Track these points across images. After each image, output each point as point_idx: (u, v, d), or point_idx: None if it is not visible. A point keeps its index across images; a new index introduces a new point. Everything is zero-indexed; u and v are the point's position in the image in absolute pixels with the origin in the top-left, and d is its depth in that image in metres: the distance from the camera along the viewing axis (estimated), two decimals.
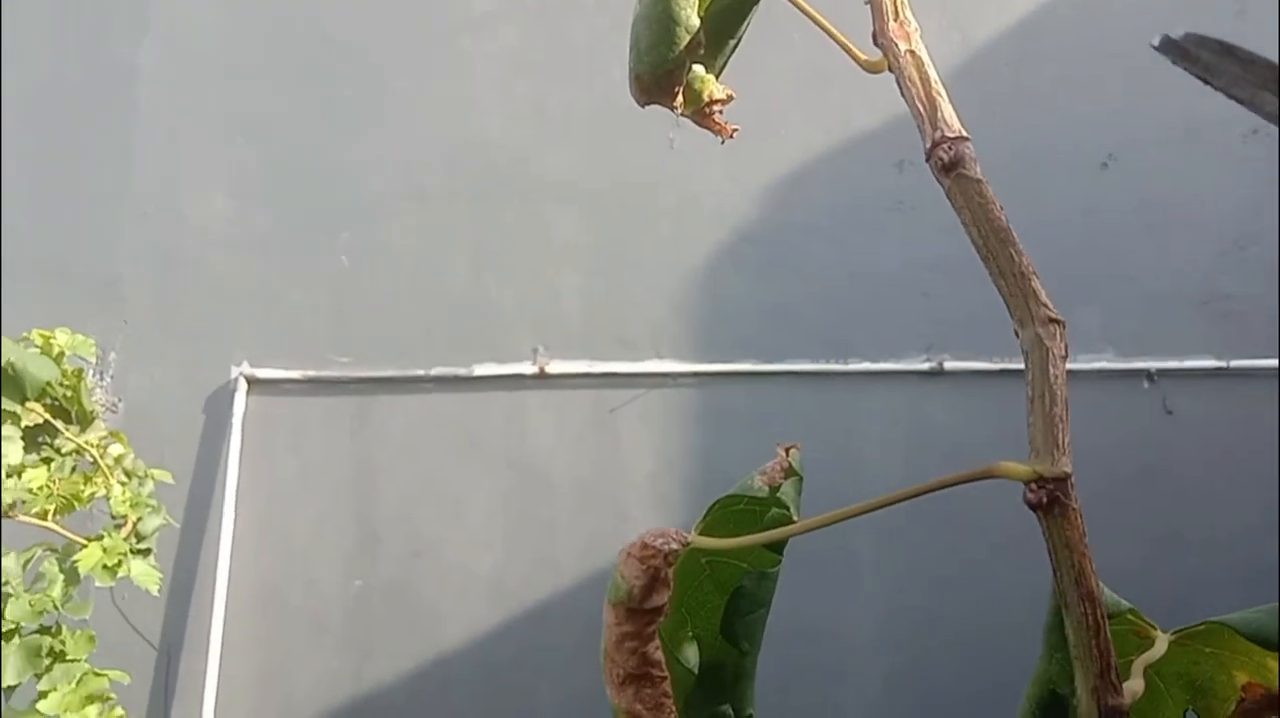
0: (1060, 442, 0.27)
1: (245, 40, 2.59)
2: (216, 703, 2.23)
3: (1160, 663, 0.38)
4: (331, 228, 2.45)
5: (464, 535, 2.34)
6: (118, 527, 1.65)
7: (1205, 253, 2.31)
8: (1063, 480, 0.27)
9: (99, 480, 1.62)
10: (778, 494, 0.36)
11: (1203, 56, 0.25)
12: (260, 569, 2.32)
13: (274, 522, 2.35)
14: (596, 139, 2.45)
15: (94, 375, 2.40)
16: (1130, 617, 0.42)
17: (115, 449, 1.86)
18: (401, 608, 2.32)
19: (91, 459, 1.80)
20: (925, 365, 2.30)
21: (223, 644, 2.26)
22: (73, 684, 1.81)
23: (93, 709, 1.82)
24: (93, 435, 1.79)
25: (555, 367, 2.36)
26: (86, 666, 1.84)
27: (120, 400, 2.43)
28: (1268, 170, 2.34)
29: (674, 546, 0.31)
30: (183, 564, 2.32)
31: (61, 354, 1.71)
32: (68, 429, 1.70)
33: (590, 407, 2.37)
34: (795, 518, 0.36)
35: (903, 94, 0.31)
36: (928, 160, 0.31)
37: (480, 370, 2.37)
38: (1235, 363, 2.23)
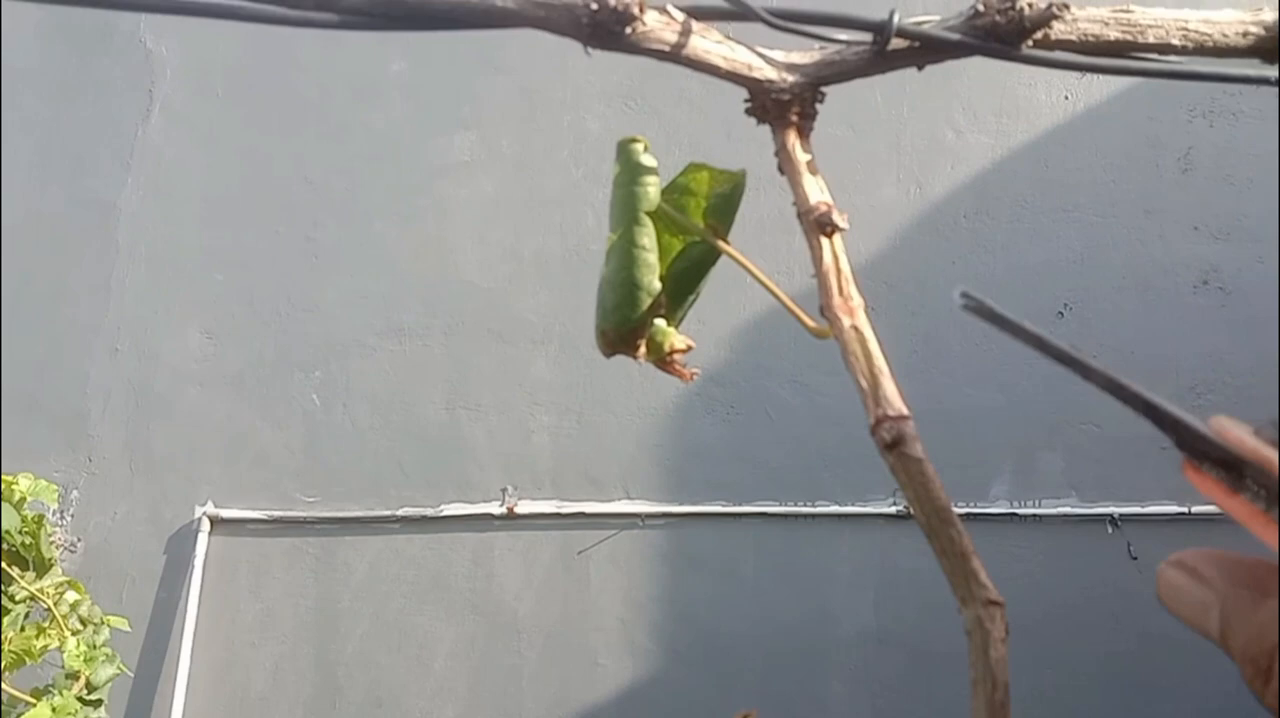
0: None
1: (225, 180, 2.65)
2: None
3: None
4: (305, 365, 2.46)
5: (427, 684, 2.28)
6: (70, 680, 1.60)
7: (1163, 398, 2.37)
8: None
9: (52, 632, 1.58)
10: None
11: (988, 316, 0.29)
12: (215, 717, 2.25)
13: (231, 668, 2.28)
14: (569, 282, 2.50)
15: (54, 514, 2.36)
16: None
17: (71, 597, 1.82)
18: None
19: (46, 607, 1.76)
20: (892, 508, 2.31)
21: None
22: None
23: None
24: (49, 583, 1.75)
25: (524, 507, 2.35)
26: None
27: (80, 540, 2.39)
28: (1219, 320, 2.42)
29: None
30: (135, 712, 2.24)
31: (23, 500, 1.69)
32: (24, 577, 1.67)
33: (559, 548, 2.35)
34: None
35: (846, 367, 0.34)
36: (872, 435, 0.33)
37: (448, 510, 2.36)
38: (1196, 508, 2.26)
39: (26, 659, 1.53)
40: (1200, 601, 0.28)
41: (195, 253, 2.59)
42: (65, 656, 1.61)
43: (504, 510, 2.35)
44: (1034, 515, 2.29)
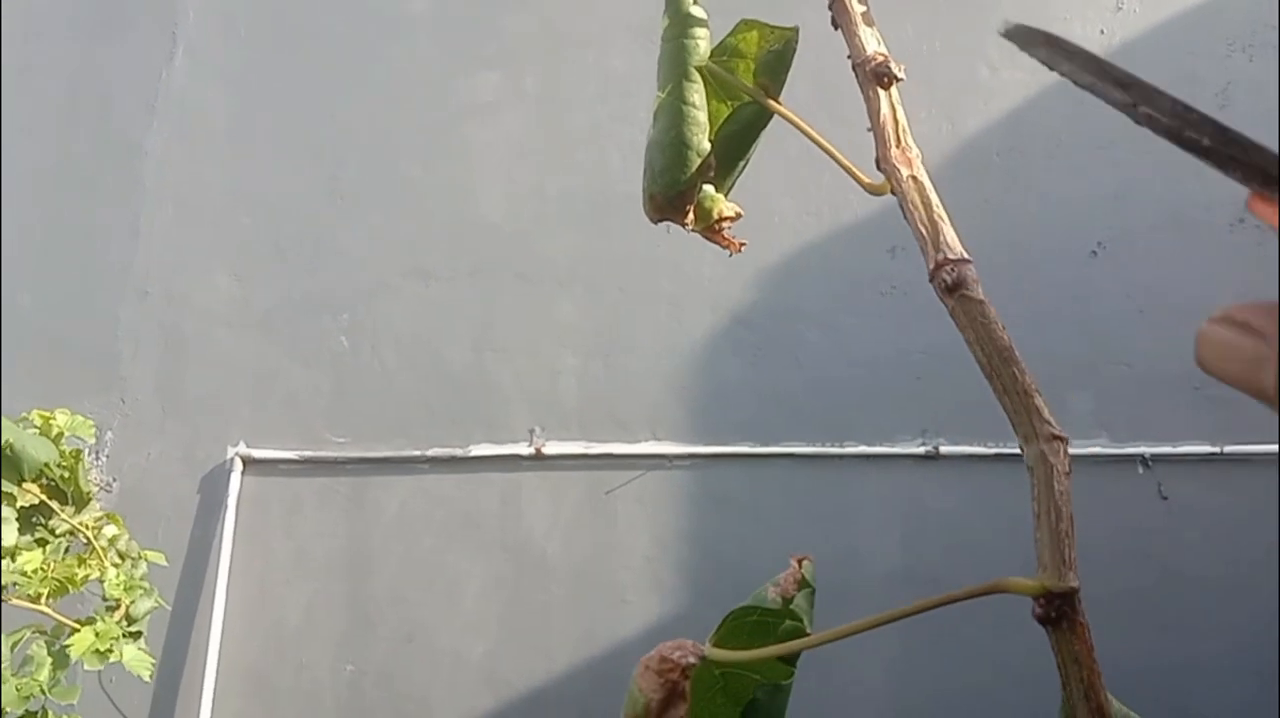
0: (1067, 557, 0.28)
1: (252, 123, 2.65)
2: None
3: None
4: (333, 308, 2.47)
5: (457, 620, 2.31)
6: (110, 610, 1.63)
7: (1194, 339, 2.34)
8: (1070, 595, 0.28)
9: (93, 563, 1.61)
10: (791, 607, 0.37)
11: (1039, 51, 0.26)
12: (251, 652, 2.29)
13: (266, 604, 2.32)
14: (595, 223, 2.49)
15: (90, 455, 2.39)
16: None
17: (110, 531, 1.85)
18: (393, 694, 2.28)
19: (85, 541, 1.79)
20: (920, 449, 2.30)
21: None
22: None
23: None
24: (88, 517, 1.78)
25: (552, 448, 2.36)
26: None
27: (115, 480, 2.42)
28: (1255, 258, 2.38)
29: (691, 659, 0.31)
30: (172, 646, 2.29)
31: (60, 435, 1.71)
32: (63, 511, 1.69)
33: (586, 488, 2.37)
34: (808, 631, 0.37)
35: (905, 218, 0.33)
36: (931, 282, 0.32)
37: (476, 451, 2.37)
38: (1229, 448, 2.24)
39: (69, 587, 1.56)
40: (1252, 355, 0.24)
41: (222, 195, 2.59)
42: (105, 585, 1.64)
43: (531, 451, 2.37)
44: None
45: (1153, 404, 2.30)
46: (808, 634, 0.36)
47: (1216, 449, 2.24)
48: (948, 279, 0.31)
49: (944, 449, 2.30)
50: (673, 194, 0.43)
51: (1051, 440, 0.29)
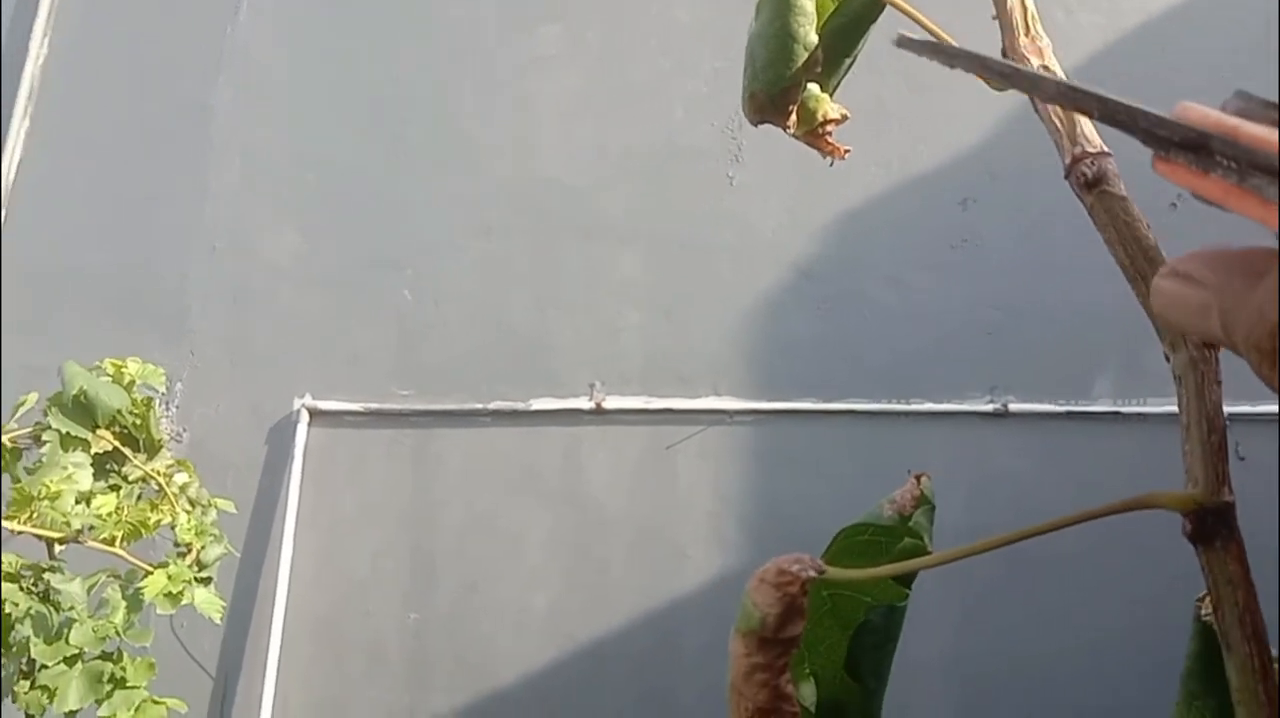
0: (1220, 471, 0.26)
1: (315, 81, 2.65)
2: None
3: None
4: (396, 263, 2.48)
5: (519, 571, 2.33)
6: (181, 555, 1.67)
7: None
8: (1224, 511, 0.26)
9: (164, 508, 1.64)
10: (909, 524, 0.35)
11: (929, 56, 0.26)
12: (318, 600, 2.33)
13: (332, 553, 2.36)
14: (657, 177, 2.46)
15: (161, 406, 2.44)
16: None
17: (181, 478, 1.88)
18: (456, 642, 2.31)
19: (157, 487, 1.83)
20: (989, 407, 2.25)
21: (279, 673, 2.27)
22: (132, 711, 1.82)
23: None
24: (159, 464, 1.82)
25: (612, 402, 2.36)
26: (146, 693, 1.85)
27: (185, 430, 2.47)
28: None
29: (811, 573, 0.30)
30: (241, 593, 2.34)
31: (132, 383, 1.74)
32: (135, 457, 1.73)
33: (647, 443, 2.36)
34: (929, 549, 0.35)
35: (1037, 112, 0.30)
36: (1067, 177, 0.30)
37: (538, 405, 2.37)
38: None
39: (142, 531, 1.59)
40: (1197, 303, 0.25)
41: (287, 152, 2.61)
42: (177, 530, 1.67)
43: (592, 406, 2.36)
44: (1138, 414, 2.21)
45: (1230, 361, 2.20)
46: (929, 553, 0.34)
47: None
48: (1087, 173, 0.29)
49: (1013, 407, 2.24)
50: (775, 92, 0.40)
51: (1202, 348, 0.26)
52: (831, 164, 0.43)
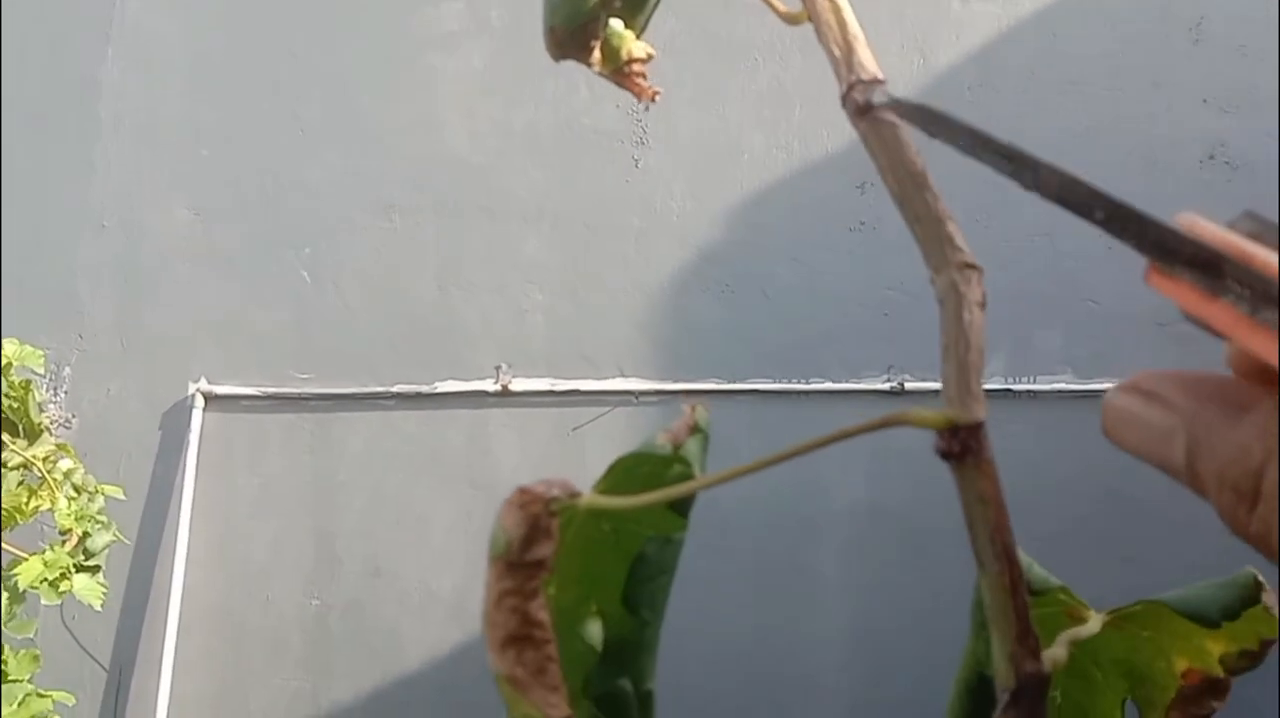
0: (974, 389, 0.27)
1: (209, 54, 2.58)
2: None
3: (1098, 650, 0.38)
4: (294, 243, 2.43)
5: (425, 555, 2.31)
6: (63, 541, 1.61)
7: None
8: (976, 429, 0.27)
9: (44, 494, 1.58)
10: (681, 453, 0.36)
11: (921, 125, 0.26)
12: (215, 588, 2.28)
13: (230, 540, 2.31)
14: (562, 158, 2.45)
15: (48, 391, 2.36)
16: (1062, 596, 0.41)
17: (64, 464, 1.82)
18: (360, 628, 2.28)
19: (40, 475, 1.76)
20: (886, 385, 2.30)
21: (175, 664, 2.22)
22: (14, 706, 1.76)
23: None
24: (40, 450, 1.75)
25: (518, 384, 2.35)
26: (30, 686, 1.79)
27: (74, 416, 2.39)
28: (1223, 198, 2.37)
29: (556, 492, 0.30)
30: (136, 583, 2.27)
31: (9, 365, 1.67)
32: (14, 443, 1.66)
33: (553, 425, 2.36)
34: (694, 475, 0.35)
35: (820, 41, 0.31)
36: (843, 105, 0.30)
37: (442, 387, 2.35)
38: None
39: (18, 517, 1.53)
40: (1160, 426, 0.24)
41: (179, 128, 2.53)
42: (56, 514, 1.62)
43: (498, 388, 2.35)
44: (1029, 392, 2.28)
45: (1118, 341, 2.30)
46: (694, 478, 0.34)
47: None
48: (859, 99, 0.29)
49: (909, 385, 2.30)
50: (574, 27, 0.40)
51: (963, 269, 0.27)
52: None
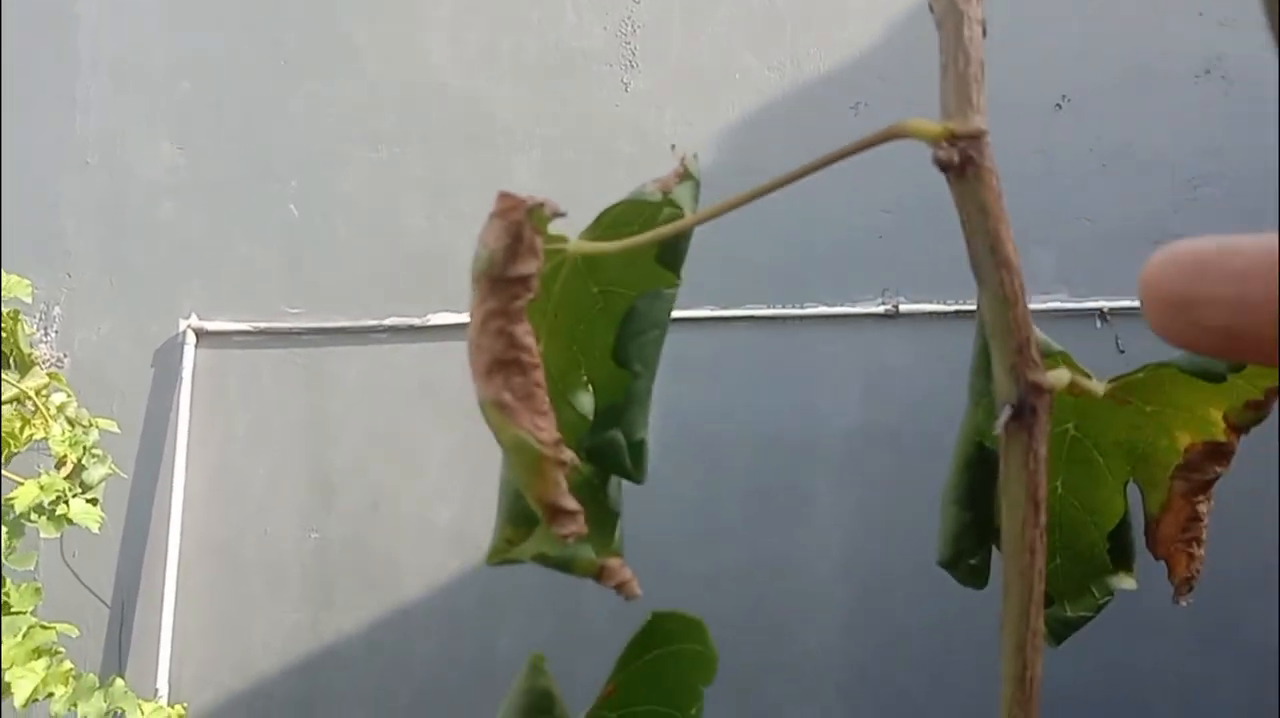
0: (975, 100, 0.26)
1: None
2: (172, 656, 2.20)
3: (1099, 433, 0.37)
4: (280, 176, 2.40)
5: (422, 487, 2.31)
6: (58, 468, 1.61)
7: (1159, 193, 2.33)
8: (976, 137, 0.26)
9: (38, 424, 1.57)
10: (670, 197, 0.35)
11: None
12: (214, 523, 2.29)
13: (227, 475, 2.31)
14: (550, 83, 2.41)
15: (39, 330, 2.34)
16: (1062, 361, 0.40)
17: (58, 398, 1.81)
18: (359, 560, 2.29)
19: (34, 408, 1.76)
20: (880, 308, 2.29)
21: (177, 598, 2.23)
22: (19, 637, 1.77)
23: (40, 663, 1.78)
24: (33, 383, 1.74)
25: None
26: (32, 618, 1.80)
27: (65, 356, 2.38)
28: (1219, 112, 2.35)
29: (540, 202, 0.29)
30: (134, 518, 2.28)
31: None
32: (6, 374, 1.65)
33: None
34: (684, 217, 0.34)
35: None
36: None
37: (435, 319, 2.34)
38: None
39: (12, 444, 1.53)
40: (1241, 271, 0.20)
41: (160, 61, 2.48)
42: (51, 442, 1.61)
43: None
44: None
45: (1113, 259, 2.29)
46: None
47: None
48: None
49: (903, 308, 2.29)
50: None
51: None
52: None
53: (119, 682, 1.87)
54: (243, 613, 2.27)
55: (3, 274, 1.65)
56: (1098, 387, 0.32)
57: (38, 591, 1.81)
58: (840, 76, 2.35)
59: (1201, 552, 0.35)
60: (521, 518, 0.33)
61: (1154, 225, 2.31)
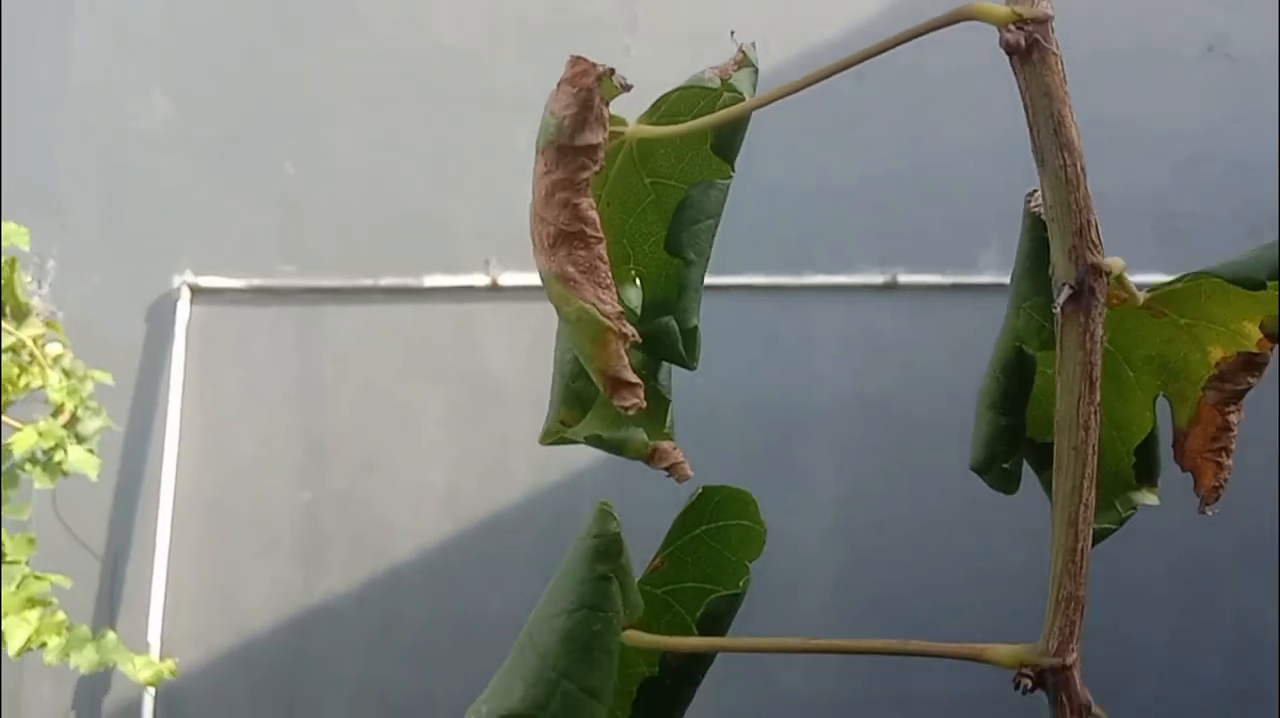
0: None
1: None
2: (164, 611, 2.20)
3: (1131, 348, 0.37)
4: (278, 133, 2.38)
5: (415, 448, 2.31)
6: (55, 415, 1.60)
7: (1159, 170, 2.33)
8: (1044, 22, 0.26)
9: (35, 372, 1.57)
10: (729, 83, 0.35)
11: None
12: (206, 480, 2.28)
13: (220, 432, 2.30)
14: (551, 46, 2.39)
15: (33, 283, 2.32)
16: None
17: (54, 348, 1.80)
18: (352, 520, 2.29)
19: (30, 356, 1.75)
20: (879, 279, 2.30)
21: (169, 553, 2.23)
22: (13, 587, 1.77)
23: (33, 613, 1.78)
24: (30, 331, 1.74)
25: (508, 279, 2.33)
26: (27, 568, 1.80)
27: (59, 310, 2.36)
28: (1222, 89, 2.35)
29: (610, 67, 0.29)
30: (127, 473, 2.27)
31: None
32: (4, 324, 1.64)
33: (543, 319, 2.34)
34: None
35: None
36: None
37: (431, 281, 2.33)
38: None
39: (10, 390, 1.52)
40: None
41: (158, 16, 2.45)
42: (48, 390, 1.60)
43: (487, 282, 2.33)
44: None
45: (1117, 234, 2.29)
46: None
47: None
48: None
49: (902, 279, 2.29)
50: None
51: None
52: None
53: (110, 634, 1.87)
54: (235, 571, 2.27)
55: (2, 222, 1.64)
56: (1138, 294, 0.32)
57: (31, 541, 1.81)
58: (844, 47, 2.33)
59: (1230, 462, 0.35)
60: (575, 401, 0.33)
61: (1154, 203, 2.31)
